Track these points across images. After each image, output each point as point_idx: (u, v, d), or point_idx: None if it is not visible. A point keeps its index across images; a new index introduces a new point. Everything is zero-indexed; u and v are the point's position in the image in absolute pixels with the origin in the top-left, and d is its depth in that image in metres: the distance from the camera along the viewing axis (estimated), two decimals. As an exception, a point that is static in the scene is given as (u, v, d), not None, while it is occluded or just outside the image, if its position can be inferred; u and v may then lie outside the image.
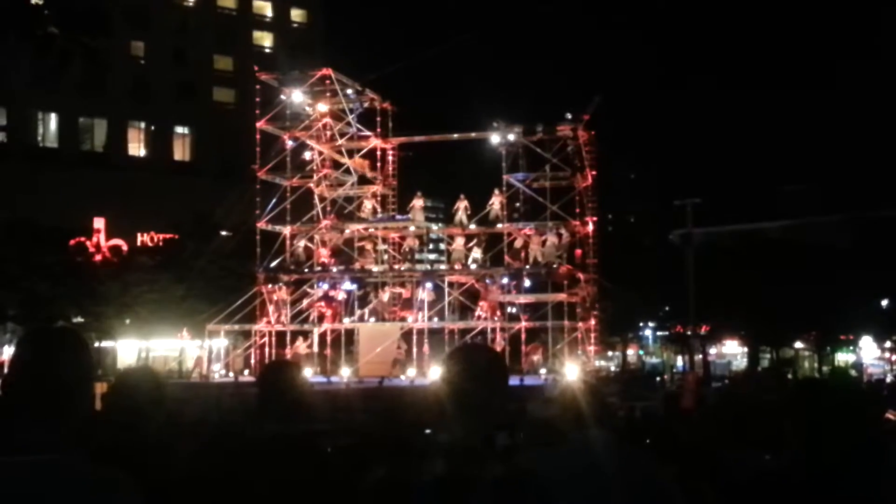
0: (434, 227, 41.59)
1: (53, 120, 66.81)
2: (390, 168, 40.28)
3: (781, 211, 70.15)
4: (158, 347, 52.01)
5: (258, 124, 39.10)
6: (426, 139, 41.01)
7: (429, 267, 42.79)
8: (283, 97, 39.08)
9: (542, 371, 34.88)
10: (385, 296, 37.38)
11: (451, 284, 37.63)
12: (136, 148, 69.79)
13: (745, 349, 65.99)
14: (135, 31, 64.01)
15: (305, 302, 37.93)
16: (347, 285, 37.66)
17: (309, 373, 29.93)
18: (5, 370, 2.97)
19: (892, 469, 3.51)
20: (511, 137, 37.49)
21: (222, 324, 37.64)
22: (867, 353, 66.79)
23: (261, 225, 38.86)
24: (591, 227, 37.79)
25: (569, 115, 37.54)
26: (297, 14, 78.00)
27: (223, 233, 48.24)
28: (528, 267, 36.35)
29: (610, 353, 64.31)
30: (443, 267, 39.04)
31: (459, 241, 37.55)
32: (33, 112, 64.80)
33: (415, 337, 35.77)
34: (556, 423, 4.12)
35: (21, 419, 2.75)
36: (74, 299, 46.40)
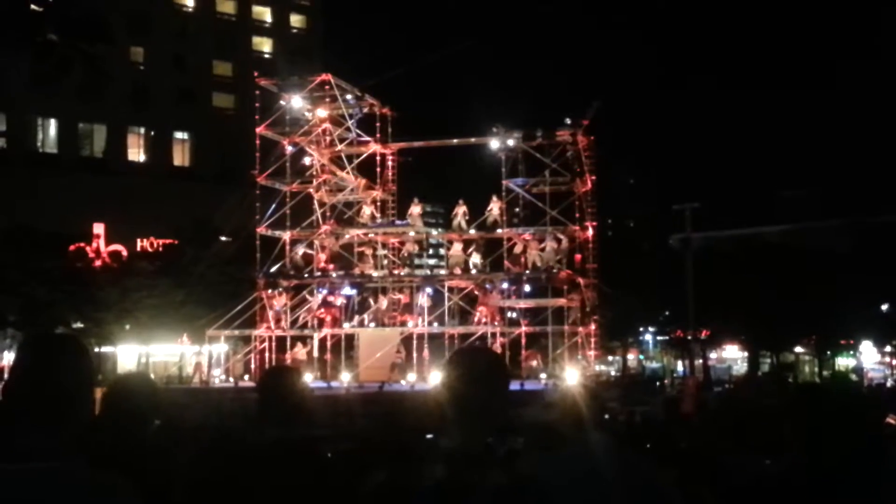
0: (434, 231, 41.62)
1: (53, 125, 66.84)
2: (390, 173, 40.31)
3: (781, 215, 70.07)
4: (158, 353, 51.96)
5: (258, 130, 39.14)
6: (426, 144, 41.06)
7: (429, 272, 42.80)
8: (282, 102, 39.13)
9: (543, 376, 34.92)
10: (384, 303, 37.38)
11: (451, 289, 37.65)
12: (136, 153, 69.83)
13: (746, 354, 65.96)
14: (134, 36, 64.02)
15: (306, 306, 37.92)
16: (347, 290, 37.68)
17: (309, 378, 29.91)
18: (5, 376, 2.97)
19: (892, 474, 3.51)
20: (510, 142, 37.52)
21: (222, 329, 37.66)
22: (867, 357, 66.77)
23: (260, 230, 38.87)
24: (590, 232, 37.82)
25: (568, 120, 37.58)
26: (296, 20, 78.07)
27: (223, 238, 48.25)
28: (528, 272, 36.37)
29: (610, 358, 64.30)
30: (443, 272, 39.06)
31: (457, 247, 37.60)
32: (33, 117, 64.83)
33: (415, 342, 35.78)
34: (557, 428, 4.11)
35: (21, 425, 2.75)
36: (74, 305, 46.36)
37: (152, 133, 69.70)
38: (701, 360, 58.98)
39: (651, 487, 3.77)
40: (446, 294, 37.27)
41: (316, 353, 36.62)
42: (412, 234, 39.13)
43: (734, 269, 52.26)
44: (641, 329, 65.90)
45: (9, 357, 45.18)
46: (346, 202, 39.28)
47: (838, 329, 57.32)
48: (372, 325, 37.35)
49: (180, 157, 71.43)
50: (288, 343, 37.40)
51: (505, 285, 36.85)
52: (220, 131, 65.08)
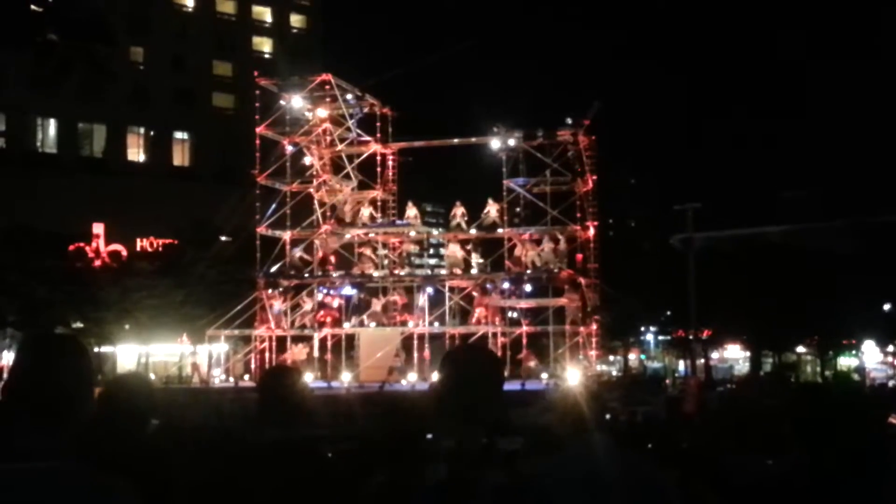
0: (434, 231, 41.64)
1: (52, 125, 66.84)
2: (390, 173, 40.31)
3: (782, 216, 70.05)
4: (158, 353, 51.97)
5: (258, 129, 39.14)
6: (426, 144, 41.07)
7: (429, 272, 42.82)
8: (282, 102, 39.14)
9: (544, 375, 34.95)
10: (378, 305, 37.32)
11: (451, 289, 37.66)
12: (136, 153, 69.84)
13: (747, 353, 65.93)
14: (134, 36, 64.04)
15: (300, 311, 37.90)
16: (348, 290, 37.69)
17: (309, 378, 29.92)
18: (5, 376, 2.97)
19: (894, 474, 3.50)
20: (511, 142, 37.54)
21: (222, 329, 37.67)
22: (870, 357, 66.75)
23: (260, 230, 38.88)
24: (591, 232, 37.83)
25: (569, 120, 37.61)
26: (296, 19, 78.08)
27: (223, 238, 48.25)
28: (529, 272, 36.38)
29: (611, 358, 64.29)
30: (443, 272, 39.07)
31: (453, 247, 37.65)
32: (32, 117, 64.84)
33: (415, 342, 35.79)
34: (558, 428, 4.10)
35: (21, 425, 2.75)
36: (74, 305, 46.35)
37: (152, 133, 69.71)
38: (702, 360, 58.99)
39: (652, 488, 3.76)
40: (447, 294, 37.27)
41: (316, 354, 36.62)
42: (413, 234, 39.14)
43: (736, 269, 52.26)
44: (643, 329, 65.88)
45: (8, 357, 45.16)
46: (346, 202, 39.29)
47: (840, 329, 57.31)
48: (372, 325, 37.35)
49: (180, 157, 71.44)
50: (288, 343, 37.41)
51: (506, 285, 36.87)
52: (220, 131, 65.09)
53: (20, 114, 62.76)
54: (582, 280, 36.95)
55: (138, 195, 56.73)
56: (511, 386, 30.20)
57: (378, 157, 39.95)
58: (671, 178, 74.22)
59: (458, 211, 37.78)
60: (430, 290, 37.30)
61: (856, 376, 55.81)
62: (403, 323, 36.96)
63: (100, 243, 52.76)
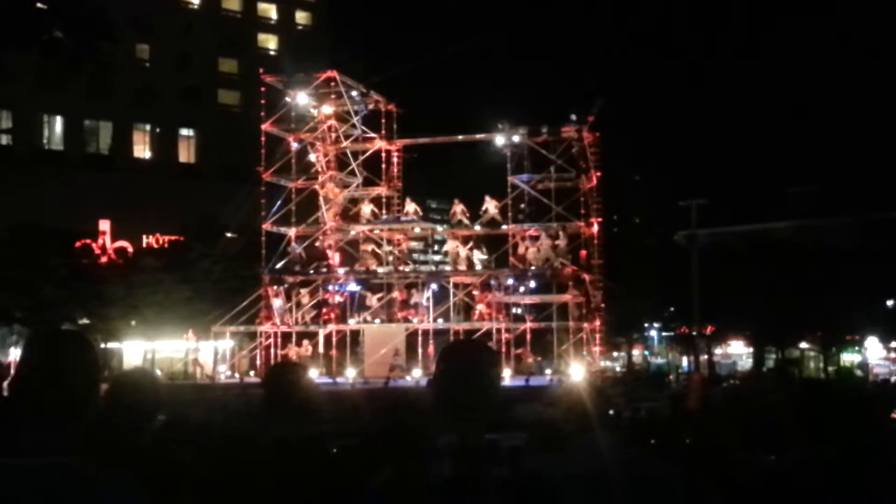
0: (439, 228, 41.64)
1: (59, 122, 66.96)
2: (395, 170, 40.33)
3: (787, 212, 70.04)
4: (164, 349, 52.07)
5: (263, 126, 39.18)
6: (431, 141, 41.06)
7: (434, 268, 42.84)
8: (287, 99, 39.16)
9: (548, 372, 34.98)
10: (373, 300, 37.31)
11: (456, 286, 37.66)
12: (142, 150, 69.94)
13: (751, 349, 65.86)
14: (140, 34, 64.14)
15: (303, 308, 37.91)
16: (353, 287, 37.72)
17: (314, 374, 29.95)
18: (12, 372, 2.98)
19: (897, 469, 3.51)
20: (516, 139, 37.53)
21: (228, 325, 37.72)
22: (873, 353, 66.58)
23: (266, 226, 38.92)
24: (595, 229, 37.80)
25: (573, 117, 37.60)
26: (301, 16, 78.09)
27: (228, 234, 48.31)
28: (533, 268, 36.37)
29: (615, 354, 64.23)
30: (448, 268, 39.09)
31: (451, 244, 37.68)
32: (39, 114, 64.96)
33: (420, 338, 35.81)
34: (562, 424, 4.11)
35: (27, 421, 2.76)
36: (80, 301, 46.44)
37: (158, 130, 69.78)
38: (706, 356, 58.94)
39: (657, 483, 3.77)
40: (451, 290, 37.28)
41: (321, 350, 36.66)
42: (417, 230, 39.13)
43: (740, 265, 52.20)
44: (646, 325, 65.84)
45: (15, 353, 45.27)
46: (352, 199, 39.31)
47: (843, 325, 57.14)
48: (377, 321, 37.38)
49: (186, 154, 71.53)
50: (294, 339, 37.46)
51: (510, 281, 36.87)
52: (225, 128, 65.11)
53: (27, 111, 62.88)
54: (586, 276, 36.93)
55: (144, 192, 56.84)
56: (515, 382, 30.23)
57: (383, 154, 39.96)
58: (676, 175, 74.13)
59: (458, 208, 37.86)
60: (434, 286, 37.31)
61: (859, 372, 55.76)
62: (408, 319, 36.98)
63: (106, 240, 52.86)
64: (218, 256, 46.98)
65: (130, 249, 52.60)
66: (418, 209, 38.97)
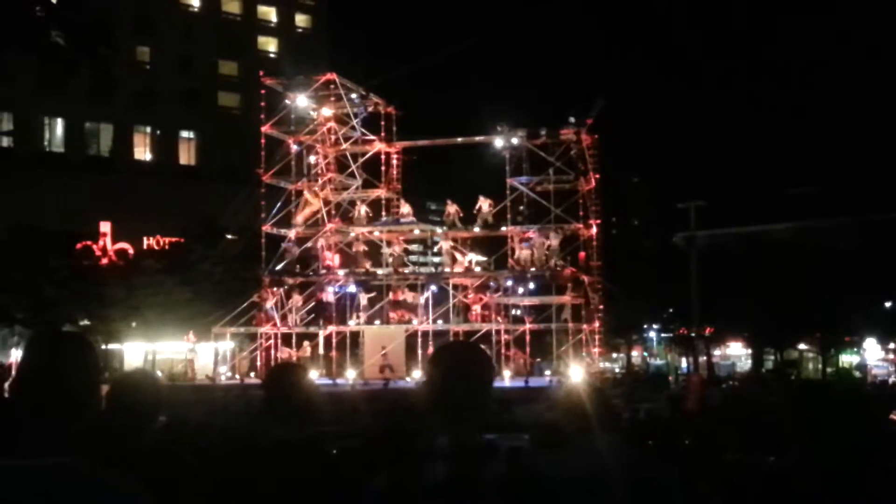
0: (438, 230, 41.65)
1: (59, 125, 66.99)
2: (394, 172, 40.37)
3: (785, 213, 69.99)
4: (165, 350, 52.06)
5: (263, 129, 39.21)
6: (430, 143, 41.10)
7: (433, 270, 42.85)
8: (287, 102, 39.21)
9: (548, 372, 35.01)
10: (365, 299, 37.31)
11: (455, 287, 37.68)
12: (142, 152, 69.96)
13: (749, 351, 65.86)
14: (140, 36, 64.18)
15: (301, 310, 37.90)
16: (352, 288, 37.74)
17: (314, 375, 29.94)
18: (13, 373, 2.99)
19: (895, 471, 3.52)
20: (515, 141, 37.57)
21: (228, 326, 37.74)
22: (871, 354, 66.59)
23: (266, 228, 38.95)
24: (594, 230, 37.83)
25: (572, 119, 37.64)
26: (301, 19, 78.11)
27: (229, 236, 48.31)
28: (533, 269, 36.38)
29: (614, 355, 64.23)
30: (447, 270, 39.11)
31: (445, 245, 37.73)
32: (39, 117, 64.98)
33: (419, 339, 35.82)
34: (561, 425, 4.12)
35: (29, 422, 2.77)
36: (81, 303, 46.44)
37: (158, 132, 69.81)
38: (705, 357, 58.94)
39: (656, 484, 3.78)
40: (451, 291, 37.30)
41: (321, 351, 36.67)
42: (416, 231, 39.15)
43: (738, 266, 52.20)
44: (645, 326, 65.84)
45: (17, 355, 45.27)
46: (351, 200, 39.34)
47: (842, 326, 57.13)
48: (377, 322, 37.40)
49: (186, 157, 71.55)
50: (294, 340, 37.47)
51: (509, 283, 36.90)
52: (225, 130, 65.12)
53: (27, 113, 62.90)
54: (585, 278, 36.94)
55: (145, 194, 56.86)
56: (514, 383, 30.24)
57: (382, 156, 39.99)
58: (674, 177, 73.98)
59: (451, 209, 37.95)
60: (433, 287, 37.32)
61: (857, 373, 55.79)
62: (408, 321, 36.99)
63: (107, 242, 52.86)
64: (218, 258, 46.99)
65: (131, 251, 52.61)
66: (411, 211, 39.09)
